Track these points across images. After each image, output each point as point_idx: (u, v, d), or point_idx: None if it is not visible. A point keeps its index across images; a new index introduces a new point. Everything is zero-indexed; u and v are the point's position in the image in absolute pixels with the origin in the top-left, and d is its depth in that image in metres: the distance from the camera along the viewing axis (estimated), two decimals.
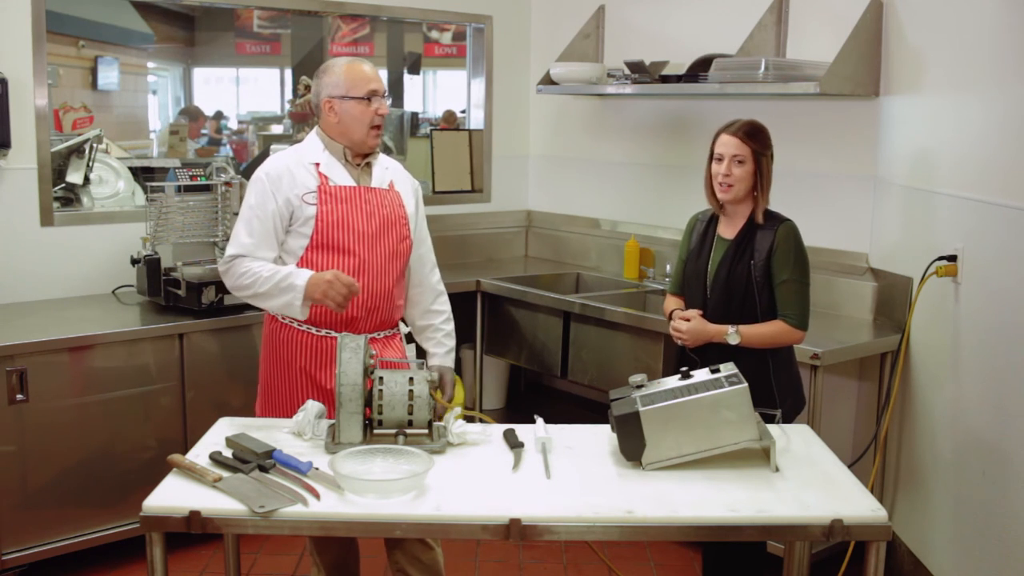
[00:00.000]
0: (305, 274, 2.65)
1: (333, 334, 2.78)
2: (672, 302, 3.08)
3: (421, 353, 3.10)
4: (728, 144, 2.83)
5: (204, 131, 7.61)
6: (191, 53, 7.98)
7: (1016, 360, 2.74)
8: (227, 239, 3.90)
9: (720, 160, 2.85)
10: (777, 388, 2.84)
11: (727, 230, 2.92)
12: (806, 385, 3.16)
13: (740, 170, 2.82)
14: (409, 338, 3.05)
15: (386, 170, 2.91)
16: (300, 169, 2.77)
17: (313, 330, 2.79)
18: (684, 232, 3.08)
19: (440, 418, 2.51)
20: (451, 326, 3.05)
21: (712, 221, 2.98)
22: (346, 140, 2.80)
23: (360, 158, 2.83)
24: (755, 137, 2.83)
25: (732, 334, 2.82)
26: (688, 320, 2.89)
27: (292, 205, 2.75)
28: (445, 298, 3.07)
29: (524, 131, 5.38)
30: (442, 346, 3.01)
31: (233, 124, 8.15)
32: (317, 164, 2.79)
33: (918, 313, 3.42)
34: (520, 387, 5.41)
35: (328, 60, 2.85)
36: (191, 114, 7.60)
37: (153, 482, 2.18)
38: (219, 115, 7.90)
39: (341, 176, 2.80)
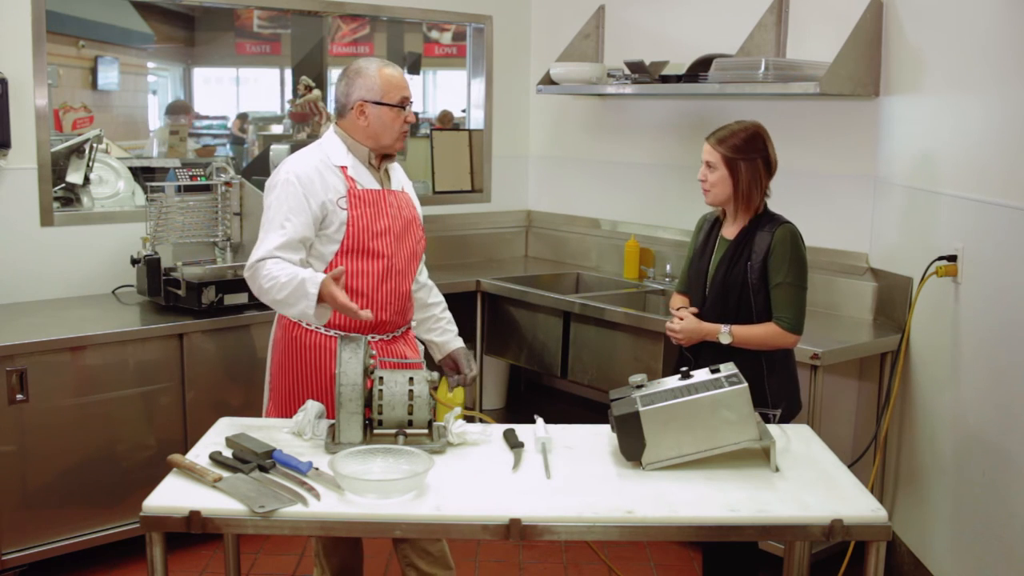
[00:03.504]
0: (316, 280, 2.54)
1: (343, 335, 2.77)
2: (678, 300, 3.09)
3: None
4: (704, 149, 2.88)
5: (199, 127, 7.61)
6: (191, 53, 7.97)
7: (1016, 360, 2.74)
8: (227, 239, 3.91)
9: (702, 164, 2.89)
10: (770, 390, 2.84)
11: (729, 231, 2.93)
12: (806, 385, 3.16)
13: (712, 175, 2.86)
14: None
15: (396, 172, 2.93)
16: (328, 172, 2.73)
17: (341, 335, 2.68)
18: (693, 232, 3.11)
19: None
20: (449, 313, 3.15)
21: (717, 222, 2.99)
22: (372, 143, 2.78)
23: (380, 161, 2.83)
24: (728, 144, 2.83)
25: (724, 334, 2.82)
26: (683, 319, 2.90)
27: (327, 209, 2.70)
28: (436, 289, 3.16)
29: (524, 131, 5.38)
30: (448, 332, 3.11)
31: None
32: (344, 168, 2.76)
33: (918, 313, 3.42)
34: (520, 387, 5.41)
35: (359, 61, 2.79)
36: (181, 109, 7.54)
37: (153, 482, 2.18)
38: (243, 116, 7.90)
39: (367, 179, 2.79)
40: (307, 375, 2.80)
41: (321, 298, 2.54)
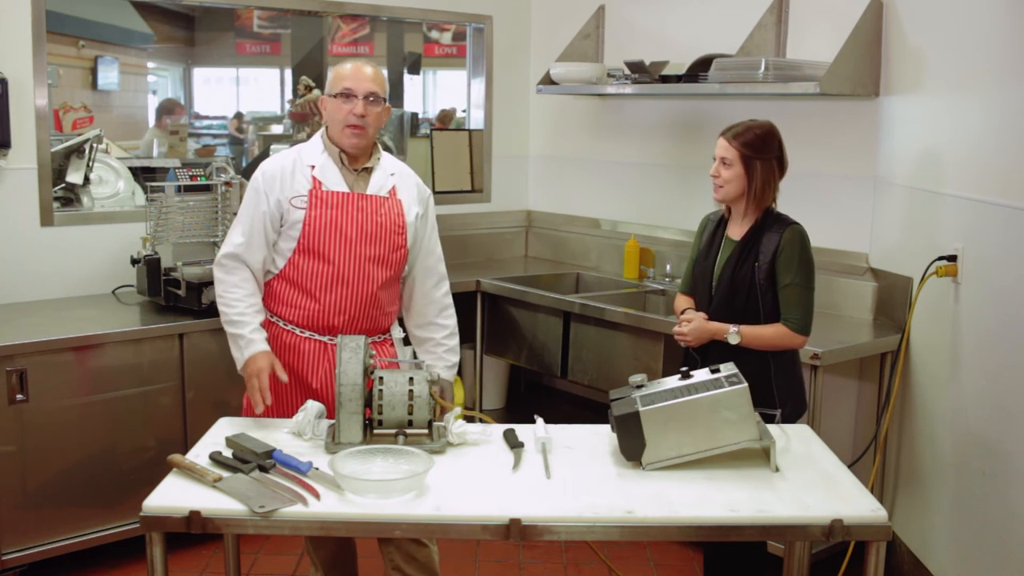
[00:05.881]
0: (253, 348, 2.69)
1: (316, 337, 2.79)
2: (683, 301, 3.08)
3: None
4: (718, 145, 2.86)
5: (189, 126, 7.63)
6: (191, 53, 7.98)
7: (1016, 360, 2.74)
8: None
9: (715, 160, 2.87)
10: (777, 391, 2.84)
11: (735, 231, 2.93)
12: (806, 385, 3.16)
13: (727, 172, 2.84)
14: (406, 341, 3.03)
15: (391, 176, 2.84)
16: (296, 171, 2.76)
17: (296, 331, 2.80)
18: (696, 232, 3.10)
19: (440, 417, 2.50)
20: (454, 341, 2.96)
21: (722, 222, 2.98)
22: (335, 140, 2.78)
23: (355, 162, 2.80)
24: (745, 140, 2.81)
25: (733, 333, 2.82)
26: (690, 321, 2.90)
27: (282, 208, 2.74)
28: (451, 312, 2.98)
29: (524, 131, 5.38)
30: (442, 360, 2.93)
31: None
32: (313, 167, 2.76)
33: (918, 313, 3.42)
34: (520, 387, 5.41)
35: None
36: (168, 109, 7.55)
37: (153, 482, 2.18)
38: (239, 115, 7.92)
39: (335, 181, 2.76)
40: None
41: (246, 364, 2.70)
